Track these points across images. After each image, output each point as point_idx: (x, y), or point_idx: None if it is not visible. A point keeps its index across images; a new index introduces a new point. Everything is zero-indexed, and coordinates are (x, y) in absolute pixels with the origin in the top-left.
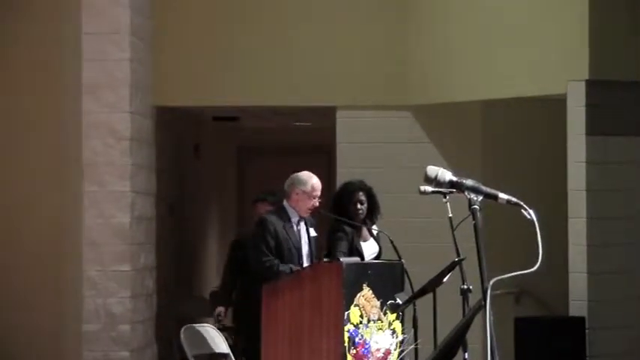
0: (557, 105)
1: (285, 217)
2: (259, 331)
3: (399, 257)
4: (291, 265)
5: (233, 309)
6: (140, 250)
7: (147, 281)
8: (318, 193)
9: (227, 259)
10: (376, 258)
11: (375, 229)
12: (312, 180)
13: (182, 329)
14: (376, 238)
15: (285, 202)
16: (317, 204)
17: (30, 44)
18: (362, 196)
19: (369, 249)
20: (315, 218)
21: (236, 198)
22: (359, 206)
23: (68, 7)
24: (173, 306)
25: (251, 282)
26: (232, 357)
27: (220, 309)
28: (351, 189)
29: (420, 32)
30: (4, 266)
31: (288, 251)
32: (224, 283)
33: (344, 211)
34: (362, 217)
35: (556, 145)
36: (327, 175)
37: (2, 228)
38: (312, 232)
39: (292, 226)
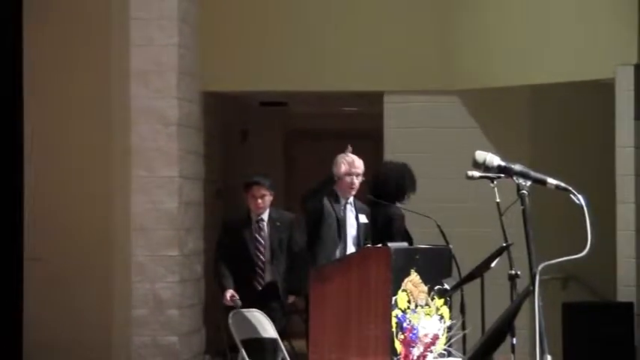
0: (605, 89)
1: (334, 199)
2: None
3: (447, 242)
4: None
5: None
6: (188, 235)
7: (195, 266)
8: (351, 167)
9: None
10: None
11: (421, 213)
12: (342, 158)
13: (230, 314)
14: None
15: (335, 187)
16: (355, 180)
17: (78, 30)
18: None
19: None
20: (366, 205)
21: (283, 182)
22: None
23: None
24: None
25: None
26: (280, 342)
27: (231, 293)
28: (409, 173)
29: (469, 16)
30: (54, 252)
31: (327, 226)
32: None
33: (396, 195)
34: None
35: (605, 129)
36: (374, 160)
37: (51, 213)
38: (363, 219)
39: (338, 205)
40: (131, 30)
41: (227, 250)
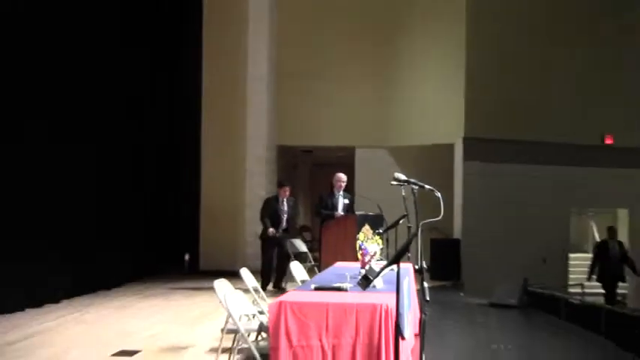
0: (451, 147)
1: (331, 194)
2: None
3: (381, 212)
4: (328, 212)
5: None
6: None
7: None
8: (340, 178)
9: (262, 207)
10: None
11: (370, 199)
12: (336, 175)
13: (287, 241)
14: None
15: (333, 188)
16: (342, 184)
17: (221, 106)
18: None
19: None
20: (352, 196)
21: (309, 189)
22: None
23: (240, 80)
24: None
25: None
26: (309, 253)
27: (272, 230)
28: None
29: (393, 97)
30: (212, 206)
31: (330, 207)
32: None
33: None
34: None
35: (450, 167)
36: (352, 177)
37: (211, 194)
38: (346, 201)
39: (334, 197)
40: (247, 109)
41: (267, 212)
